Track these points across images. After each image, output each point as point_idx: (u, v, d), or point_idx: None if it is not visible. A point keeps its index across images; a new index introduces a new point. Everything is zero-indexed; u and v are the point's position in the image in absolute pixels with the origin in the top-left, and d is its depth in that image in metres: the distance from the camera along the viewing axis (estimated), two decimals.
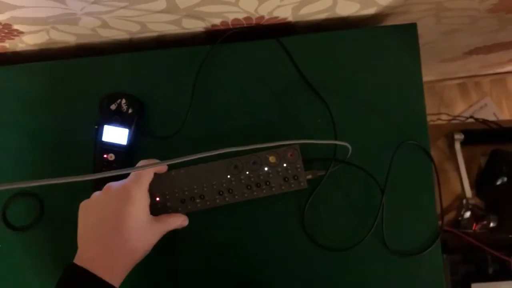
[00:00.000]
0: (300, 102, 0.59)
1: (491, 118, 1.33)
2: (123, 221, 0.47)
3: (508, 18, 0.72)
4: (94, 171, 0.56)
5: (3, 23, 0.51)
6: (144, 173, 0.50)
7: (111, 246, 0.47)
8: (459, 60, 1.10)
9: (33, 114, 0.60)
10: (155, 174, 0.52)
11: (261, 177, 0.54)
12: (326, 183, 0.56)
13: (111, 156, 0.55)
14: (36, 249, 0.57)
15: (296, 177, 0.54)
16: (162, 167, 0.53)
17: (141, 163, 0.51)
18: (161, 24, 0.57)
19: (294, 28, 0.64)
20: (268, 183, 0.54)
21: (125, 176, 0.50)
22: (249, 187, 0.54)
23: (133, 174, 0.50)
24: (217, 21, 0.58)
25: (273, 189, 0.54)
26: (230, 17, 0.57)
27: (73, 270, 0.45)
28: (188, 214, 0.54)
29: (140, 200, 0.49)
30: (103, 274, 0.44)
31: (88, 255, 0.47)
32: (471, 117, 0.94)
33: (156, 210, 0.53)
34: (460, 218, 0.79)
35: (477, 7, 0.66)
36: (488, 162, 0.81)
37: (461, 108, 1.47)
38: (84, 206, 0.50)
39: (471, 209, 0.77)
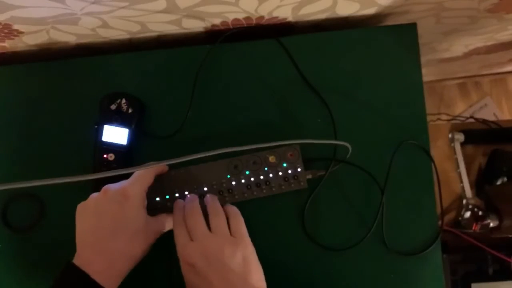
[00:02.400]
0: (300, 102, 0.59)
1: (491, 118, 1.33)
2: (122, 224, 0.47)
3: (508, 18, 0.72)
4: (94, 171, 0.56)
5: (3, 23, 0.51)
6: (144, 176, 0.50)
7: (109, 250, 0.46)
8: (459, 60, 1.10)
9: (33, 114, 0.60)
10: (156, 175, 0.52)
11: (261, 177, 0.54)
12: (326, 183, 0.56)
13: (111, 156, 0.55)
14: (36, 249, 0.57)
15: (296, 177, 0.54)
16: (162, 168, 0.53)
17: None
18: (161, 24, 0.57)
19: (294, 28, 0.64)
20: (268, 183, 0.54)
21: (125, 176, 0.50)
22: (249, 187, 0.54)
23: (132, 176, 0.50)
24: (217, 21, 0.58)
25: (273, 189, 0.54)
26: (230, 17, 0.57)
27: (71, 271, 0.45)
28: None
29: (138, 202, 0.49)
30: (100, 279, 0.44)
31: (86, 258, 0.46)
32: (471, 117, 0.94)
33: (155, 210, 0.53)
34: (460, 218, 0.79)
35: (477, 7, 0.66)
36: (488, 162, 0.81)
37: (461, 108, 1.47)
38: (82, 208, 0.49)
39: (471, 209, 0.77)
